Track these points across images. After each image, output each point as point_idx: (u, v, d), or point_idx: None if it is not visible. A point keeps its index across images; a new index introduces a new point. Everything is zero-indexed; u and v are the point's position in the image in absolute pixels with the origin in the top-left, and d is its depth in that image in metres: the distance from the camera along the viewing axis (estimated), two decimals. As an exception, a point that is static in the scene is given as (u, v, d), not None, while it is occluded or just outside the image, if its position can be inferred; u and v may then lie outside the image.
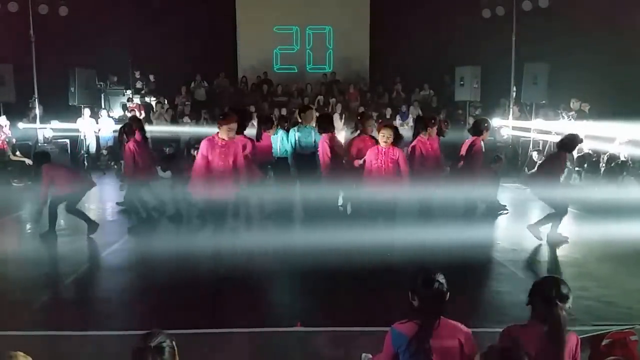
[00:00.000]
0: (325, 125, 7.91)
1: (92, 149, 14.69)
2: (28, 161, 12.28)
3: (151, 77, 17.44)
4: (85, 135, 14.42)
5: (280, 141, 8.81)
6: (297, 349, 4.31)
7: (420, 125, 8.13)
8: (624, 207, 8.42)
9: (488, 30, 15.36)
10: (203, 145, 6.26)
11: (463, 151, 8.22)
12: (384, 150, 6.77)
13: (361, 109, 15.55)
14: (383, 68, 18.33)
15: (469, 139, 8.27)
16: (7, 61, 13.63)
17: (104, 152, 14.64)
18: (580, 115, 12.63)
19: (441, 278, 2.94)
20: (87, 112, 14.55)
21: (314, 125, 8.38)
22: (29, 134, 13.80)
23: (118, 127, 10.34)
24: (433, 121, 8.29)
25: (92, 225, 7.78)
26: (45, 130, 13.80)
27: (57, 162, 8.36)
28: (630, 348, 3.36)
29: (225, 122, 6.20)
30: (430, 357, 2.83)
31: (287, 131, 8.88)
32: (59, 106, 14.55)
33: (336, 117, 15.33)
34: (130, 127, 8.34)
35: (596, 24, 13.48)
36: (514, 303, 5.18)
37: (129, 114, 14.90)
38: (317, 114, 8.81)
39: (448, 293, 2.94)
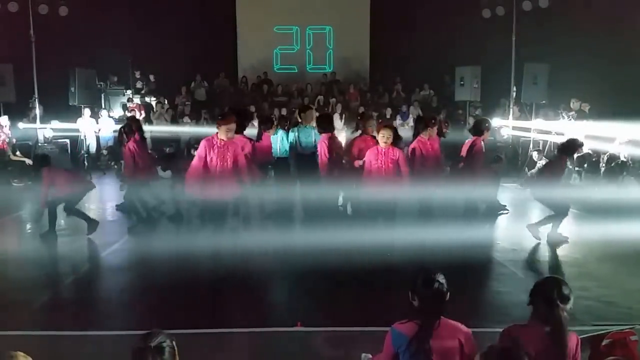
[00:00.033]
0: (325, 125, 7.91)
1: (92, 149, 14.69)
2: (28, 161, 12.28)
3: (151, 77, 17.44)
4: (85, 135, 14.41)
5: (280, 141, 8.81)
6: (297, 349, 4.31)
7: (421, 126, 8.13)
8: (624, 207, 8.42)
9: (488, 30, 15.36)
10: (201, 145, 6.26)
11: (464, 152, 8.23)
12: (383, 150, 6.77)
13: (361, 109, 15.57)
14: (383, 68, 18.34)
15: (469, 139, 8.27)
16: (7, 61, 13.63)
17: (104, 152, 14.64)
18: (580, 115, 12.63)
19: (441, 278, 2.94)
20: (87, 112, 14.54)
21: (314, 125, 8.38)
22: (29, 134, 13.79)
23: (118, 127, 10.34)
24: (433, 121, 8.29)
25: (92, 223, 7.78)
26: (46, 130, 13.80)
27: (57, 165, 8.35)
28: (630, 348, 3.35)
29: (223, 122, 6.20)
30: (431, 357, 2.82)
31: (287, 131, 8.89)
32: (59, 106, 14.55)
33: (336, 117, 15.34)
34: (130, 127, 8.35)
35: (596, 24, 13.48)
36: (514, 303, 5.19)
37: (129, 114, 14.90)
38: (317, 114, 8.82)
39: (448, 293, 2.94)
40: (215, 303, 5.42)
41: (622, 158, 10.98)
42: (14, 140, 13.01)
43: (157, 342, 2.41)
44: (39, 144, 13.57)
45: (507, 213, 9.02)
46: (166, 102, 16.73)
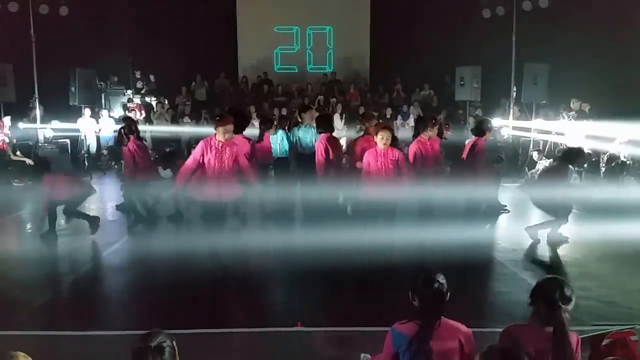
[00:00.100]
0: (324, 125, 7.90)
1: (93, 149, 14.70)
2: (28, 161, 12.29)
3: (151, 77, 17.45)
4: (85, 135, 14.42)
5: (280, 141, 8.82)
6: (297, 349, 4.31)
7: (421, 126, 8.12)
8: (624, 207, 8.42)
9: (488, 30, 15.36)
10: (199, 146, 6.26)
11: (465, 153, 8.24)
12: (382, 152, 6.77)
13: (361, 109, 15.58)
14: (383, 68, 18.33)
15: (470, 140, 8.26)
16: (8, 61, 13.63)
17: (105, 152, 14.65)
18: (581, 115, 12.63)
19: (441, 278, 2.94)
20: (87, 112, 14.55)
21: (313, 125, 8.38)
22: (29, 134, 13.80)
23: (118, 127, 10.35)
24: (434, 121, 8.28)
25: (94, 221, 7.76)
26: (46, 130, 13.80)
27: (57, 166, 8.35)
28: (630, 348, 3.35)
29: (221, 123, 6.20)
30: (431, 357, 2.82)
31: (288, 131, 8.89)
32: (60, 106, 14.54)
33: (337, 117, 15.36)
34: (130, 128, 8.35)
35: (596, 24, 13.48)
36: (514, 303, 5.18)
37: (129, 114, 14.91)
38: (317, 114, 8.82)
39: (448, 293, 2.94)
40: (215, 303, 5.42)
41: (622, 158, 10.97)
42: (14, 140, 13.01)
43: (157, 342, 2.41)
44: (39, 144, 13.58)
45: (507, 213, 9.02)
46: (166, 102, 16.74)
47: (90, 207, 9.20)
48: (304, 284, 5.90)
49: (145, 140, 13.76)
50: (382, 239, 6.51)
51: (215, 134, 6.25)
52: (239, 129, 7.15)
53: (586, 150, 11.43)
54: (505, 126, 14.40)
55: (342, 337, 4.46)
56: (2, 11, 14.13)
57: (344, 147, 11.36)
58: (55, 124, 14.09)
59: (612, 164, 11.01)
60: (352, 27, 18.81)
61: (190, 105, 16.77)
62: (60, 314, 5.28)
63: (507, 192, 9.99)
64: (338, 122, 15.17)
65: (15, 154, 12.61)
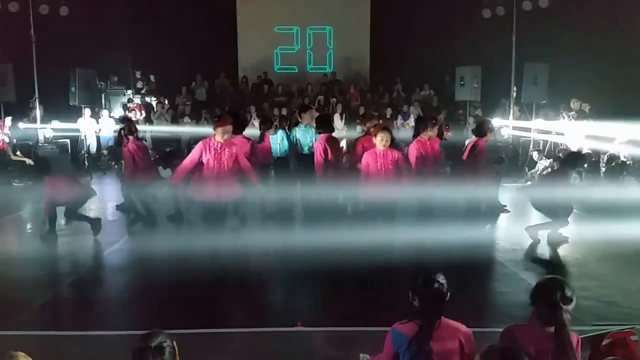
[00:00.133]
0: (324, 125, 7.90)
1: (93, 149, 14.71)
2: (29, 161, 12.29)
3: (152, 77, 17.45)
4: (85, 135, 14.43)
5: (280, 141, 8.82)
6: (297, 349, 4.31)
7: (421, 126, 8.12)
8: (624, 207, 8.42)
9: (488, 30, 15.36)
10: (197, 147, 6.27)
11: (466, 154, 8.24)
12: (382, 153, 6.76)
13: (361, 109, 15.59)
14: (383, 68, 18.33)
15: (471, 140, 8.25)
16: (7, 61, 13.63)
17: (105, 152, 14.65)
18: (581, 115, 12.64)
19: (441, 278, 2.94)
20: (87, 112, 14.56)
21: (313, 125, 8.38)
22: (29, 134, 13.79)
23: (118, 127, 10.35)
24: (434, 121, 8.28)
25: (95, 223, 7.76)
26: (46, 130, 13.79)
27: (57, 167, 8.34)
28: (630, 348, 3.35)
29: (219, 124, 6.20)
30: (431, 357, 2.82)
31: (288, 131, 8.89)
32: (60, 106, 14.54)
33: (337, 117, 15.37)
34: (129, 129, 8.36)
35: (596, 24, 13.48)
36: (514, 303, 5.18)
37: (129, 114, 14.92)
38: (317, 114, 8.82)
39: (448, 293, 2.94)
40: (215, 303, 5.42)
41: (622, 158, 10.98)
42: (15, 140, 13.01)
43: (158, 342, 2.41)
44: (40, 144, 13.57)
45: (507, 212, 9.02)
46: (167, 102, 16.75)
47: (91, 207, 9.20)
48: (304, 284, 5.90)
49: (146, 140, 13.82)
50: (382, 239, 6.51)
51: (215, 135, 6.25)
52: (238, 130, 7.15)
53: (586, 150, 11.46)
54: (505, 126, 14.40)
55: (342, 337, 4.46)
56: (2, 11, 14.13)
57: (344, 148, 11.40)
58: (56, 124, 14.09)
59: (612, 164, 11.02)
60: (352, 27, 18.80)
61: (190, 105, 16.78)
62: (61, 314, 5.28)
63: (507, 192, 9.99)
64: (338, 122, 15.18)
65: (15, 154, 12.62)
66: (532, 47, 14.16)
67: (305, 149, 8.49)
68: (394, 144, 6.97)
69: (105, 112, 15.42)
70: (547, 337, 2.80)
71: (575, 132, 12.20)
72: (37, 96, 14.05)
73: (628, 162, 10.82)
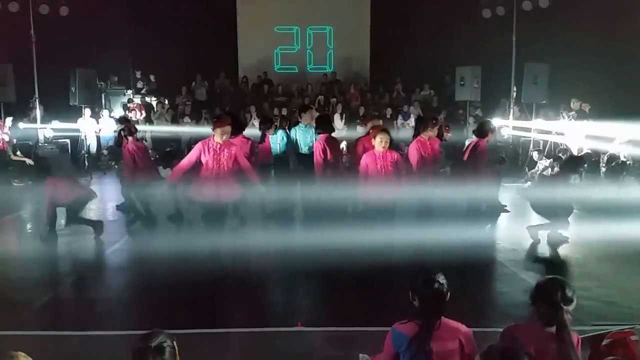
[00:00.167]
0: (323, 125, 7.90)
1: (93, 149, 14.71)
2: (29, 161, 12.28)
3: (152, 77, 17.45)
4: (85, 135, 14.42)
5: (280, 141, 8.82)
6: (297, 349, 4.31)
7: (421, 126, 8.12)
8: (624, 207, 8.42)
9: (488, 30, 15.36)
10: (196, 147, 6.27)
11: (467, 154, 8.23)
12: (381, 154, 6.75)
13: (361, 109, 15.58)
14: (383, 68, 18.33)
15: (472, 140, 8.25)
16: (7, 61, 13.63)
17: (105, 152, 14.65)
18: (581, 115, 12.64)
19: (441, 278, 2.94)
20: (87, 112, 14.55)
21: (313, 125, 8.38)
22: (29, 134, 13.79)
23: (118, 127, 10.35)
24: (434, 121, 8.28)
25: (97, 225, 7.76)
26: (46, 130, 13.79)
27: (57, 167, 8.34)
28: (630, 348, 3.35)
29: (218, 124, 6.20)
30: (431, 357, 2.83)
31: (288, 131, 8.88)
32: (60, 106, 14.54)
33: (337, 117, 15.37)
34: (129, 130, 8.35)
35: (596, 24, 13.49)
36: (514, 303, 5.18)
37: (129, 114, 14.92)
38: (317, 114, 8.82)
39: (448, 293, 2.94)
40: (215, 303, 5.42)
41: (622, 158, 10.98)
42: (15, 140, 13.01)
43: (158, 342, 2.42)
44: (40, 144, 13.57)
45: (508, 212, 9.02)
46: (167, 102, 16.75)
47: (91, 207, 9.20)
48: (303, 284, 5.90)
49: (146, 140, 13.83)
50: (382, 239, 6.51)
51: (213, 136, 6.26)
52: (239, 130, 7.15)
53: (586, 150, 11.46)
54: (505, 126, 14.40)
55: (342, 337, 4.46)
56: (2, 11, 14.13)
57: (344, 148, 11.40)
58: (56, 124, 14.09)
59: (612, 164, 11.02)
60: (352, 27, 18.80)
61: (190, 105, 16.78)
62: (61, 314, 5.28)
63: (507, 192, 9.99)
64: (338, 122, 15.19)
65: (15, 154, 12.61)
66: (532, 47, 14.16)
67: (305, 149, 8.49)
68: (392, 145, 6.97)
69: (105, 112, 15.43)
70: (547, 337, 2.80)
71: (575, 132, 12.20)
72: (37, 96, 14.05)
73: (628, 162, 10.82)
